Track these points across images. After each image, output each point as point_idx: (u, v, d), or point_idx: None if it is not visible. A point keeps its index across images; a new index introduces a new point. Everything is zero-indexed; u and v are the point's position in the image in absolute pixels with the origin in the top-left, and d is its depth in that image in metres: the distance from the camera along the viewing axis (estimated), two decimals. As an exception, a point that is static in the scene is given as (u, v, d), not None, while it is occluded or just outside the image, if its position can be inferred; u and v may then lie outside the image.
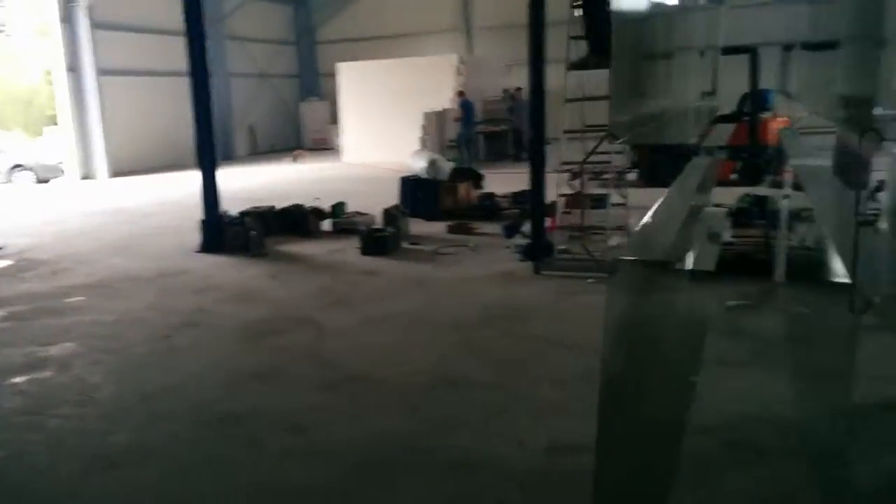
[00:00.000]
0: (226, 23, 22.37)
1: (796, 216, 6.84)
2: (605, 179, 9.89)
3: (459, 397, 4.65)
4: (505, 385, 4.79)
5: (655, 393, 2.75)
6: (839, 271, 3.43)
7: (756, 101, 12.19)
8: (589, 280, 7.09)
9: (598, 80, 8.66)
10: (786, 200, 6.37)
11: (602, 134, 8.77)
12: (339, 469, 3.82)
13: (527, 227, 8.64)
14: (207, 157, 9.15)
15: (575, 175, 9.21)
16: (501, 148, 19.12)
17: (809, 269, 5.79)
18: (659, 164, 12.81)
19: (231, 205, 9.90)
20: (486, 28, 22.85)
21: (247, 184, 15.59)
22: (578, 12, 8.03)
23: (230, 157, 20.62)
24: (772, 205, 8.22)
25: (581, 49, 8.18)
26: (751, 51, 12.28)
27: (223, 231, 9.14)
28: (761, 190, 9.36)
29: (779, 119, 12.17)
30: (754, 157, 12.12)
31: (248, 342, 5.84)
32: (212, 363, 5.42)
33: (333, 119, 22.98)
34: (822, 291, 5.42)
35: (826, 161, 4.52)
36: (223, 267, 8.34)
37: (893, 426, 2.31)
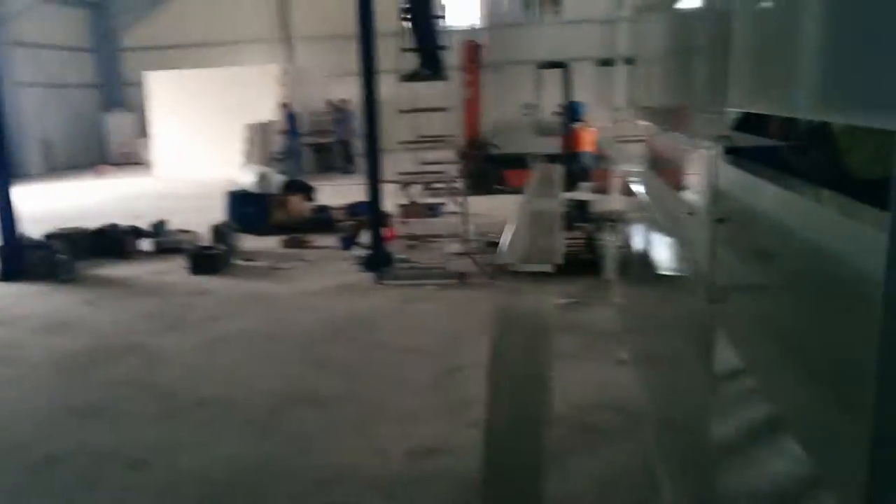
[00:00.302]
0: (10, 27, 20.17)
1: (615, 217, 7.40)
2: (438, 189, 10.14)
3: (313, 414, 4.51)
4: (359, 397, 4.73)
5: (521, 387, 2.86)
6: (663, 266, 3.75)
7: (568, 113, 13.08)
8: (430, 287, 7.20)
9: (430, 91, 8.92)
10: (610, 203, 6.87)
11: (437, 144, 9.01)
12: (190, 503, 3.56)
13: (364, 238, 8.62)
14: (1, 174, 8.17)
15: (406, 185, 9.37)
16: (329, 160, 18.91)
17: (633, 265, 6.25)
18: (486, 172, 13.38)
19: (31, 227, 8.91)
20: (308, 38, 22.54)
21: (47, 204, 14.13)
22: (408, 25, 8.18)
23: (23, 175, 18.53)
24: (590, 208, 8.86)
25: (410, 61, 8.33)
26: (563, 65, 13.17)
27: (24, 257, 8.19)
28: (581, 194, 10.04)
29: (589, 129, 13.14)
30: (570, 165, 13.01)
31: (70, 376, 5.27)
32: (28, 402, 4.83)
33: (143, 132, 21.49)
34: (647, 285, 5.90)
35: (643, 166, 4.93)
36: (28, 296, 7.47)
37: (720, 399, 2.56)
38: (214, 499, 3.59)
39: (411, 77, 8.34)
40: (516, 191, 12.84)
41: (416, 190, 10.10)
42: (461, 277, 7.35)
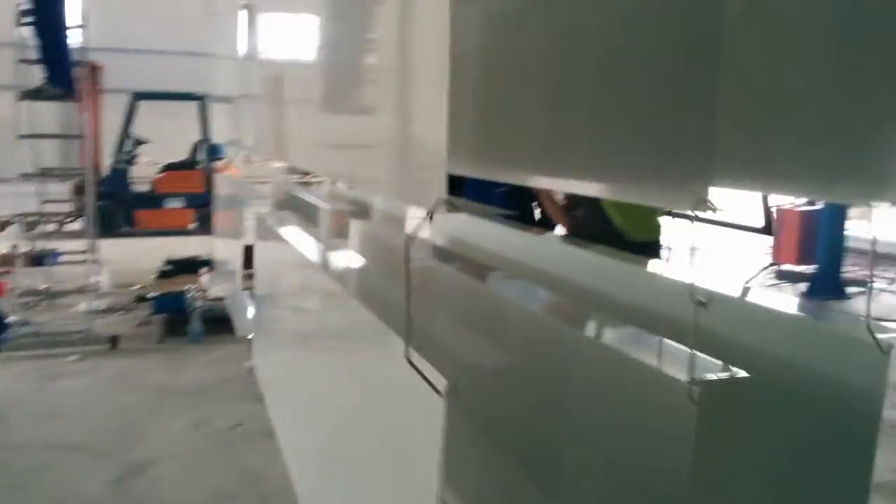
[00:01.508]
0: None
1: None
2: (49, 232, 8.43)
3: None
4: (8, 527, 3.43)
5: None
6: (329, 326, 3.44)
7: (209, 150, 12.14)
8: (71, 357, 5.77)
9: (56, 113, 7.35)
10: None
11: (65, 176, 7.46)
12: None
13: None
14: None
15: (2, 226, 7.58)
16: None
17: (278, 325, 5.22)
18: (112, 211, 11.57)
19: None
20: None
21: None
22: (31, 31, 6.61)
23: None
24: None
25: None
26: (198, 98, 12.17)
27: None
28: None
29: (231, 168, 12.35)
30: (207, 206, 12.00)
31: None
32: None
33: None
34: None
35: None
36: None
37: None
38: None
39: (35, 94, 6.75)
40: (151, 233, 11.41)
41: (19, 232, 8.19)
42: (114, 342, 6.06)
